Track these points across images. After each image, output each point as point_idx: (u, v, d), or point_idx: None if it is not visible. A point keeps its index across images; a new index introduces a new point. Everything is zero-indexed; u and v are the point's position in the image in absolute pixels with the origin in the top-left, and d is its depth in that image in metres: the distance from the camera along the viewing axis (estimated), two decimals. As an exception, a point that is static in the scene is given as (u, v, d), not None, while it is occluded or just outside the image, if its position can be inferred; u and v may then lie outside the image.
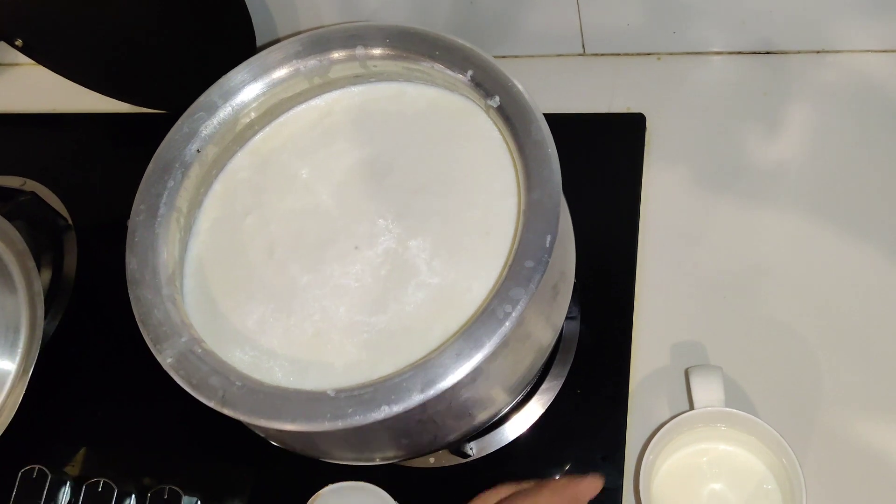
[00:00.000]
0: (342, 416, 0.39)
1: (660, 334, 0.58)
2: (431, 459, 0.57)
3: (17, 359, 0.62)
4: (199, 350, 0.42)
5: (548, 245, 0.40)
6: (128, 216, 0.48)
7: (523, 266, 0.40)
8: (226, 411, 0.40)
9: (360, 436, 0.43)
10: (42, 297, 0.64)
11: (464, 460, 0.56)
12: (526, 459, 0.56)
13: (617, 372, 0.56)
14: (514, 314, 0.39)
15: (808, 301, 0.57)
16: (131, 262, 0.45)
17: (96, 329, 0.68)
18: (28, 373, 0.62)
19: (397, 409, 0.38)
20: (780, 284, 0.58)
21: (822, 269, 0.58)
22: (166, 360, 0.42)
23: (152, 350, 0.42)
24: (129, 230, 0.47)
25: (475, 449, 0.56)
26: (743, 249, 0.59)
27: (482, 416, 0.45)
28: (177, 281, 0.47)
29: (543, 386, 0.57)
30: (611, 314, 0.59)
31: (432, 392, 0.38)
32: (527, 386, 0.47)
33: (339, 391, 0.39)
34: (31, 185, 0.77)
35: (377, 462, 0.47)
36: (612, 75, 0.68)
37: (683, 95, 0.67)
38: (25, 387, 0.62)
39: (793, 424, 0.53)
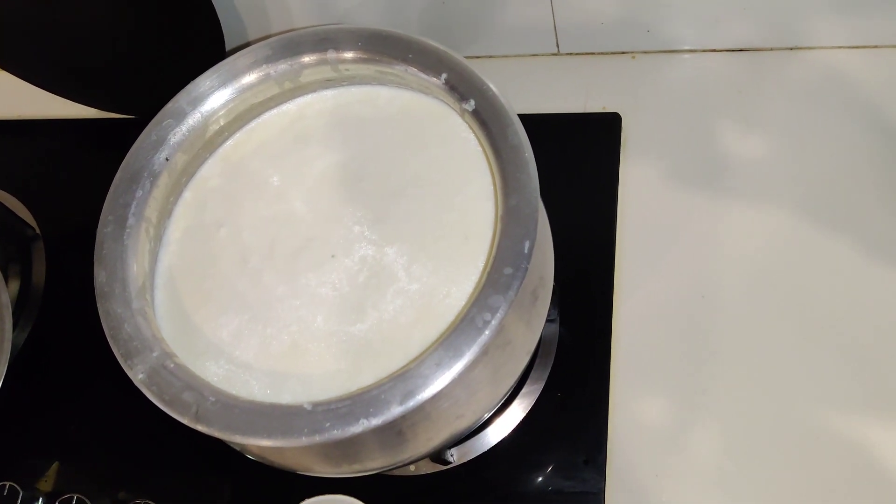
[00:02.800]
0: (319, 430, 0.38)
1: (640, 334, 0.57)
2: (412, 467, 0.56)
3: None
4: (172, 365, 0.41)
5: (526, 251, 0.40)
6: (97, 224, 0.47)
7: (502, 273, 0.40)
8: (200, 428, 0.39)
9: (339, 449, 0.42)
10: (10, 309, 0.62)
11: (445, 467, 0.55)
12: (507, 465, 0.55)
13: (597, 374, 0.56)
14: (493, 322, 0.38)
15: (788, 295, 0.57)
16: (100, 276, 0.44)
17: (66, 340, 0.67)
18: (-3, 385, 0.61)
19: (376, 421, 0.38)
20: (759, 280, 0.58)
21: (798, 263, 0.58)
22: (137, 376, 0.41)
23: (123, 366, 0.41)
24: (96, 242, 0.45)
25: (456, 455, 0.55)
26: (720, 246, 0.59)
27: (463, 425, 0.45)
28: (147, 294, 0.46)
29: (524, 390, 0.56)
30: (590, 315, 0.58)
31: (412, 403, 0.38)
32: (507, 392, 0.46)
33: (316, 405, 0.39)
34: (-2, 197, 0.75)
35: (356, 475, 0.46)
36: (587, 74, 0.68)
37: (658, 94, 0.66)
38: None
39: (775, 418, 0.53)
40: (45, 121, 0.79)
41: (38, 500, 0.58)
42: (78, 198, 0.72)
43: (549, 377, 0.57)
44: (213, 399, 0.40)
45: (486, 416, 0.47)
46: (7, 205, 0.74)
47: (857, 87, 0.64)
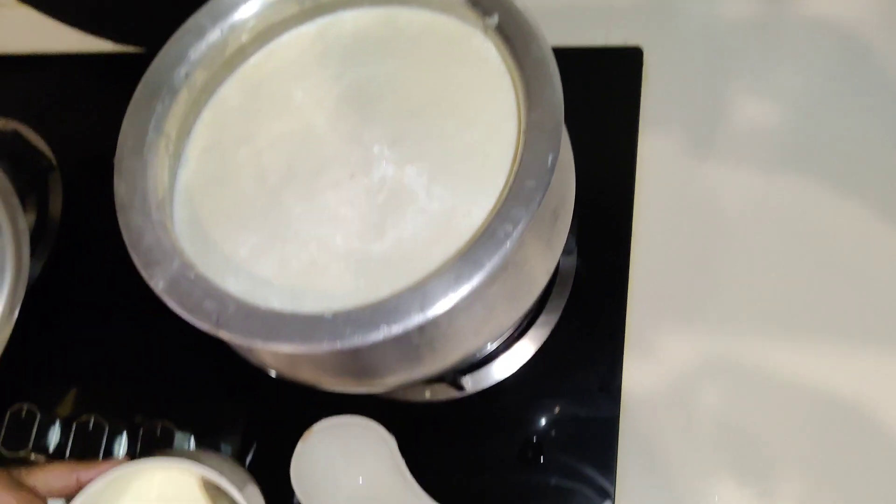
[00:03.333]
0: (340, 336, 0.38)
1: (657, 267, 0.57)
2: (427, 393, 0.56)
3: (3, 298, 0.61)
4: (192, 275, 0.41)
5: (549, 164, 0.39)
6: (112, 156, 0.47)
7: (524, 186, 0.39)
8: (221, 334, 0.39)
9: (358, 360, 0.42)
10: (27, 235, 0.62)
11: (459, 394, 0.56)
12: (522, 393, 0.55)
13: (614, 305, 0.56)
14: (514, 233, 0.38)
15: (807, 228, 0.56)
16: (120, 188, 0.44)
17: (83, 269, 0.67)
18: (14, 312, 0.61)
19: (396, 329, 0.38)
20: (778, 214, 0.57)
21: (818, 194, 0.57)
22: (158, 286, 0.41)
23: (143, 275, 0.41)
24: (116, 156, 0.45)
25: (471, 383, 0.56)
26: (741, 183, 0.59)
27: (480, 342, 0.45)
28: (167, 208, 0.46)
29: (539, 320, 0.56)
30: (608, 249, 0.58)
31: (431, 313, 0.38)
32: (525, 316, 0.46)
33: (336, 314, 0.39)
34: (14, 127, 0.75)
35: (374, 390, 0.47)
36: (609, 6, 0.67)
37: (682, 28, 0.65)
38: (12, 327, 0.61)
39: (790, 350, 0.53)
40: (62, 55, 0.79)
41: (55, 422, 0.59)
42: (94, 130, 0.71)
43: (564, 308, 0.57)
44: (234, 307, 0.40)
45: (502, 339, 0.47)
46: (24, 136, 0.74)
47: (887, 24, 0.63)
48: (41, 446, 0.58)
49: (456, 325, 0.41)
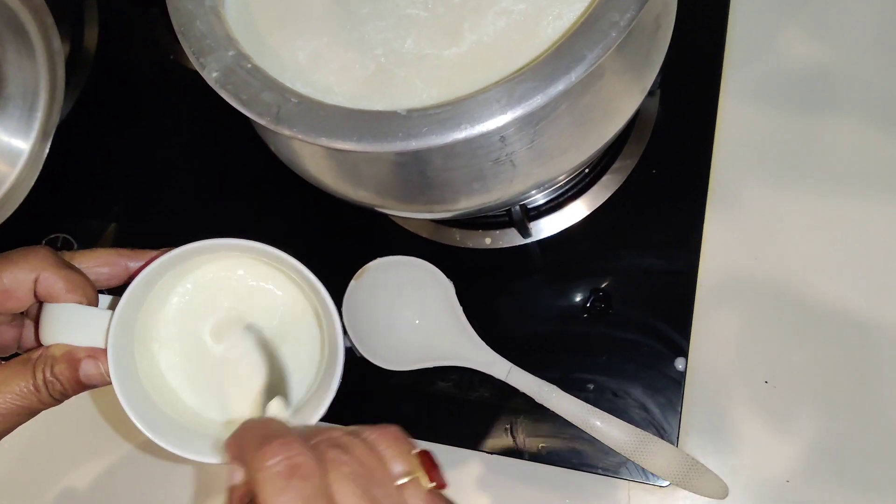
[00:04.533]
0: (416, 135, 0.33)
1: (747, 115, 0.52)
2: (487, 240, 0.53)
3: (38, 120, 0.57)
4: (249, 65, 0.37)
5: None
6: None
7: (631, -24, 0.34)
8: (281, 129, 0.35)
9: (429, 172, 0.38)
10: (62, 56, 0.58)
11: (523, 241, 0.52)
12: (591, 242, 0.51)
13: (698, 152, 0.51)
14: (622, 22, 0.33)
15: None
16: (167, -30, 0.39)
17: (119, 103, 0.63)
18: (49, 135, 0.57)
19: (480, 128, 0.33)
20: (881, 64, 0.51)
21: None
22: (211, 75, 0.36)
23: (195, 64, 0.37)
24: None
25: (536, 230, 0.52)
26: (840, 30, 0.53)
27: (561, 169, 0.40)
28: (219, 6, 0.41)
29: (614, 166, 0.52)
30: (695, 91, 0.53)
31: (521, 111, 0.33)
32: (613, 137, 0.41)
33: (412, 110, 0.34)
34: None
35: (438, 215, 0.43)
36: None
37: None
38: (47, 149, 0.57)
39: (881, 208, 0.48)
40: None
41: (93, 256, 0.56)
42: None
43: (643, 154, 0.52)
44: (297, 100, 0.35)
45: (582, 167, 0.42)
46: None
47: None
48: (78, 278, 0.55)
49: (542, 136, 0.37)
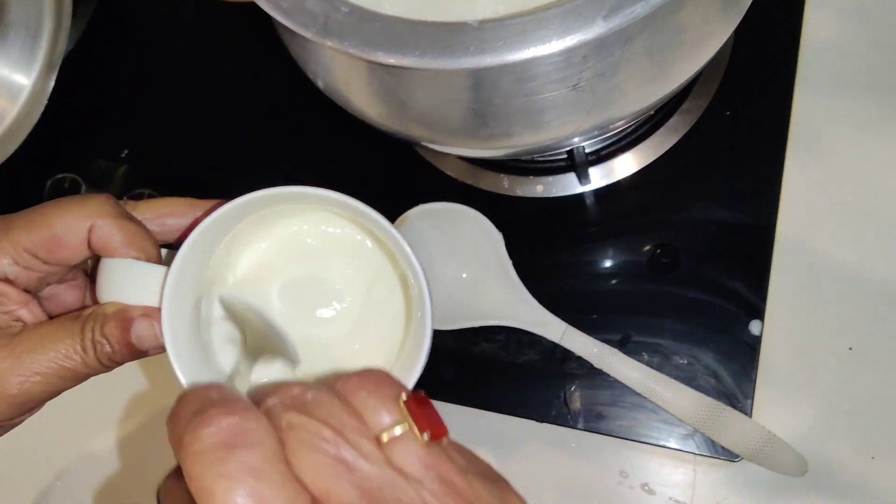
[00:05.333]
0: (490, 49, 0.28)
1: (833, 52, 0.47)
2: (539, 188, 0.48)
3: (43, 49, 0.52)
4: (290, -31, 0.31)
5: None
6: None
7: None
8: (330, 43, 0.30)
9: (495, 100, 0.33)
10: (68, -21, 0.52)
11: (580, 189, 0.47)
12: (656, 191, 0.46)
13: (778, 92, 0.46)
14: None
15: None
16: None
17: (130, 32, 0.58)
18: (54, 69, 0.52)
19: (567, 41, 0.28)
20: None
21: None
22: (247, -21, 0.31)
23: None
24: None
25: (595, 176, 0.47)
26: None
27: (643, 103, 0.35)
28: None
29: (683, 107, 0.47)
30: (775, 26, 0.47)
31: (618, 20, 0.28)
32: (707, 61, 0.36)
33: (484, 21, 0.29)
34: None
35: (496, 152, 0.38)
36: None
37: None
38: (52, 84, 0.52)
39: None
40: None
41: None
42: None
43: (716, 94, 0.47)
44: (347, 9, 0.30)
45: (670, 95, 0.37)
46: None
47: None
48: (86, 223, 0.50)
49: (629, 59, 0.32)
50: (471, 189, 0.48)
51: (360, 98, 0.36)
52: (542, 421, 0.45)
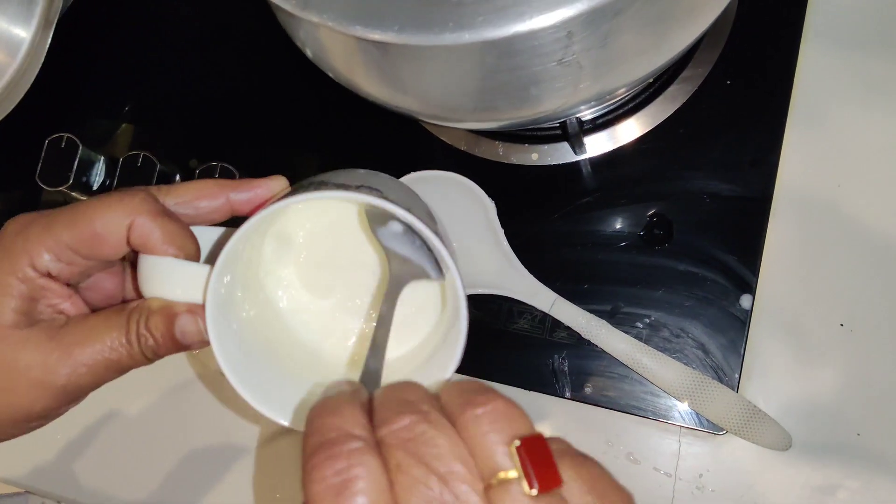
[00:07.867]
0: (469, 25, 0.28)
1: (838, 23, 0.45)
2: (534, 155, 0.47)
3: (39, 6, 0.51)
4: (270, -63, 0.31)
5: None
6: None
7: None
8: (307, 16, 0.29)
9: (479, 74, 0.32)
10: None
11: (575, 157, 0.46)
12: (651, 160, 0.46)
13: (780, 63, 0.45)
14: None
15: None
16: None
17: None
18: (52, 23, 0.52)
19: (547, 18, 0.27)
20: None
21: None
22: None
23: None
24: None
25: (591, 145, 0.46)
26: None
27: (634, 75, 0.35)
28: None
29: (684, 73, 0.46)
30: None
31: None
32: (695, 40, 0.35)
33: (464, -6, 0.28)
34: None
35: (487, 124, 0.37)
36: None
37: None
38: (49, 38, 0.52)
39: None
40: None
41: (99, 159, 0.51)
42: None
43: (717, 60, 0.45)
44: (326, -19, 0.30)
45: (664, 67, 0.36)
46: None
47: None
48: (82, 183, 0.50)
49: (618, 33, 0.31)
50: (465, 155, 0.48)
51: (346, 69, 0.36)
52: (529, 389, 0.45)
